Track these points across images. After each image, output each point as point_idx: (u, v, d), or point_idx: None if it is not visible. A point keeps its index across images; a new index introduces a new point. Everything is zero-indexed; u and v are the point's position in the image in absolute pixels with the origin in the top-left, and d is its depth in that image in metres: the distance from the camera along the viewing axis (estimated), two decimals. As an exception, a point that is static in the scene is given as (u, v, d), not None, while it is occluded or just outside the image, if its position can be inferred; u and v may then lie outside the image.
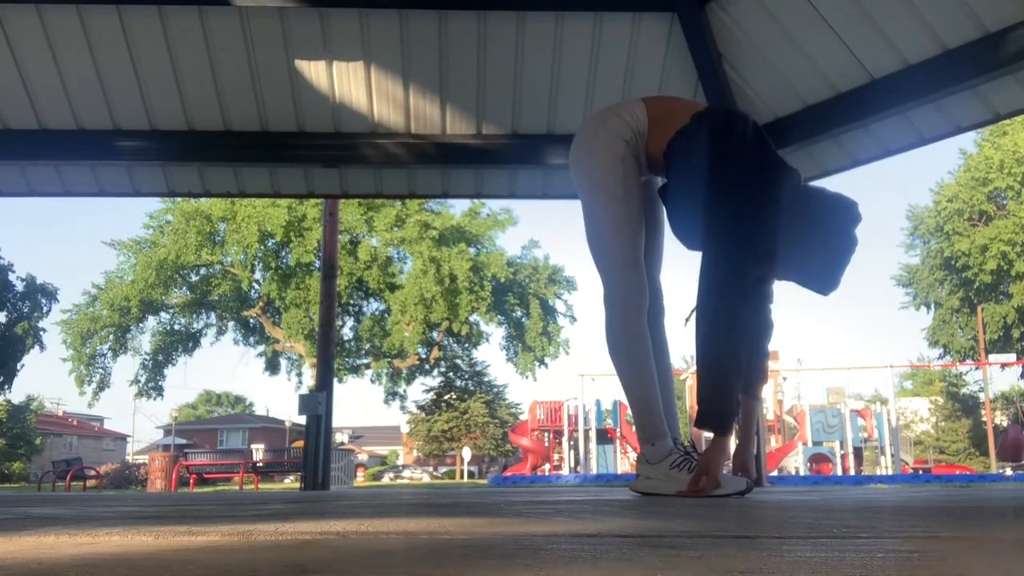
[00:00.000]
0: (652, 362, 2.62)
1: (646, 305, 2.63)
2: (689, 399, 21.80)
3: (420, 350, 31.26)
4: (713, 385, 2.39)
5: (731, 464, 2.75)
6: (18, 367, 29.67)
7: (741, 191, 2.41)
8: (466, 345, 33.98)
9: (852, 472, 22.52)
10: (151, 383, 30.36)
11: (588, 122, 2.80)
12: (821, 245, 2.46)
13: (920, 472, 24.94)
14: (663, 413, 2.58)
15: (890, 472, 22.52)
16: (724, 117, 2.54)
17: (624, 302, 2.61)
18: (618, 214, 2.61)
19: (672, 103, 2.88)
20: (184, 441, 46.55)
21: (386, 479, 43.23)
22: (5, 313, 29.51)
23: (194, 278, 29.76)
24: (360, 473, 39.34)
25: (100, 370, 29.28)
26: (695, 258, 2.50)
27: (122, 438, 57.85)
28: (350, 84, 5.28)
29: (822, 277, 2.50)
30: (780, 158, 2.51)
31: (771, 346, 2.77)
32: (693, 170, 2.47)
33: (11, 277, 29.80)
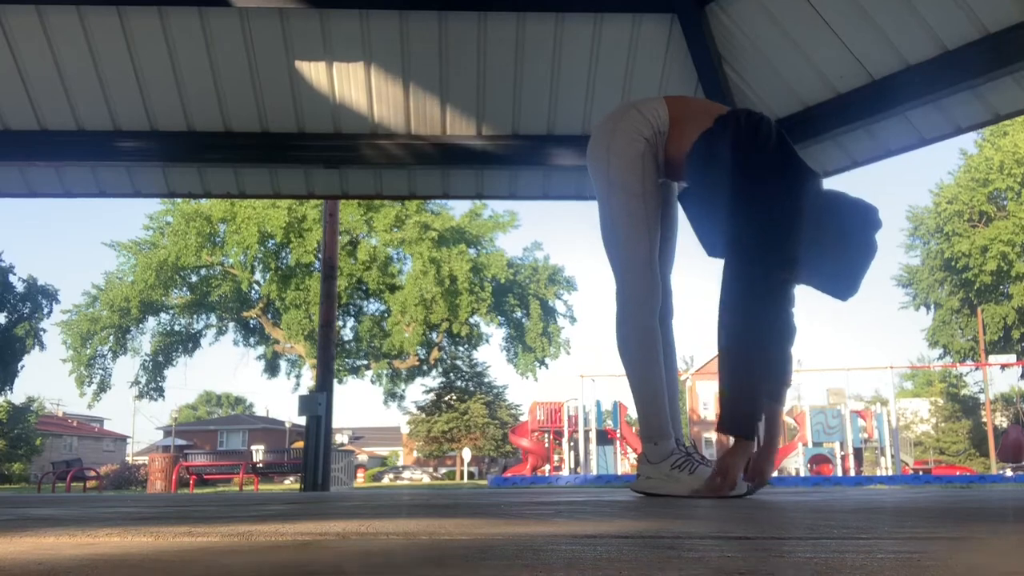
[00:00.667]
0: (661, 361, 2.61)
1: (659, 304, 2.61)
2: (690, 400, 21.82)
3: (420, 351, 31.27)
4: (738, 389, 2.38)
5: (748, 467, 2.73)
6: (18, 367, 29.68)
7: (768, 196, 2.40)
8: (466, 346, 34.00)
9: (852, 473, 22.50)
10: (151, 384, 30.40)
11: (608, 117, 2.74)
12: (841, 250, 2.43)
13: (920, 473, 24.94)
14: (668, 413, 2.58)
15: (890, 473, 22.51)
16: (747, 120, 2.50)
17: (637, 300, 2.60)
18: (635, 211, 2.59)
19: (693, 104, 2.87)
20: (184, 442, 46.59)
21: (386, 480, 43.24)
22: (5, 314, 29.51)
23: (194, 279, 29.79)
24: (360, 474, 39.35)
25: (100, 371, 29.32)
26: (706, 262, 2.49)
27: (122, 439, 57.87)
28: (350, 85, 5.28)
29: (841, 282, 2.47)
30: (803, 161, 2.49)
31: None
32: (719, 175, 2.44)
33: (11, 279, 29.80)
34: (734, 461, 2.37)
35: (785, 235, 2.40)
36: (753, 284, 2.38)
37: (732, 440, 2.41)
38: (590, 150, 2.71)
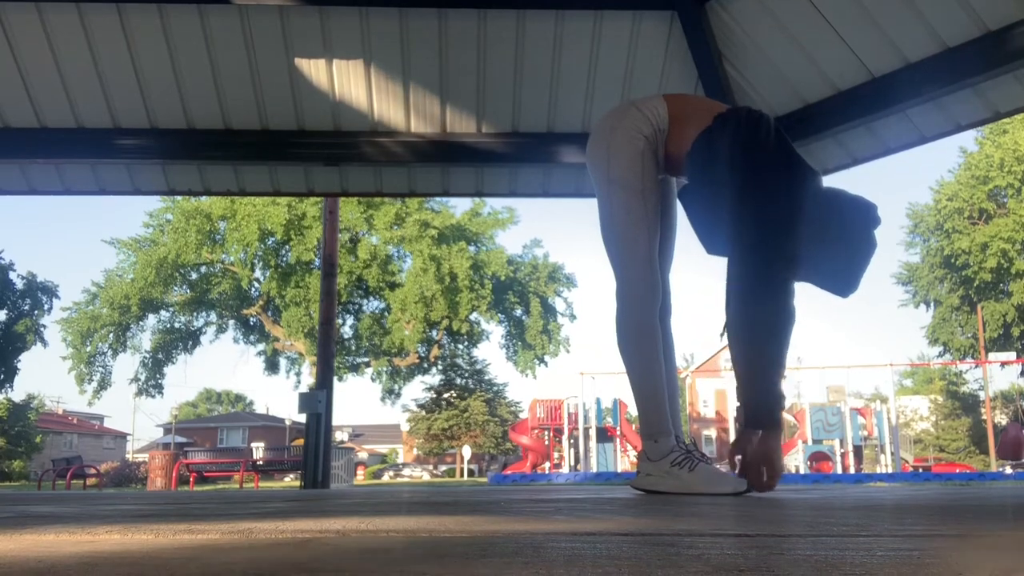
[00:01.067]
0: (661, 359, 2.61)
1: (659, 301, 2.62)
2: (690, 398, 21.84)
3: (420, 348, 31.28)
4: (762, 382, 2.41)
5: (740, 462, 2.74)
6: (16, 363, 29.68)
7: (768, 194, 2.40)
8: (466, 343, 34.00)
9: (852, 470, 22.55)
10: (151, 381, 30.39)
11: (608, 115, 2.74)
12: (841, 247, 2.44)
13: (920, 470, 25.00)
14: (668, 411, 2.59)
15: (890, 470, 22.56)
16: (748, 118, 2.50)
17: (637, 298, 2.60)
18: (635, 209, 2.59)
19: (693, 102, 2.86)
20: (184, 439, 46.68)
21: (386, 477, 43.27)
22: (5, 311, 29.51)
23: (194, 276, 29.78)
24: (360, 471, 39.39)
25: (100, 368, 29.31)
26: (704, 259, 2.50)
27: (122, 436, 57.92)
28: (350, 82, 5.27)
29: (841, 279, 2.48)
30: (802, 159, 2.50)
31: None
32: (719, 173, 2.45)
33: (11, 276, 29.80)
34: (774, 452, 2.40)
35: (785, 233, 2.40)
36: (757, 281, 2.39)
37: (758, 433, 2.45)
38: (590, 148, 2.71)
